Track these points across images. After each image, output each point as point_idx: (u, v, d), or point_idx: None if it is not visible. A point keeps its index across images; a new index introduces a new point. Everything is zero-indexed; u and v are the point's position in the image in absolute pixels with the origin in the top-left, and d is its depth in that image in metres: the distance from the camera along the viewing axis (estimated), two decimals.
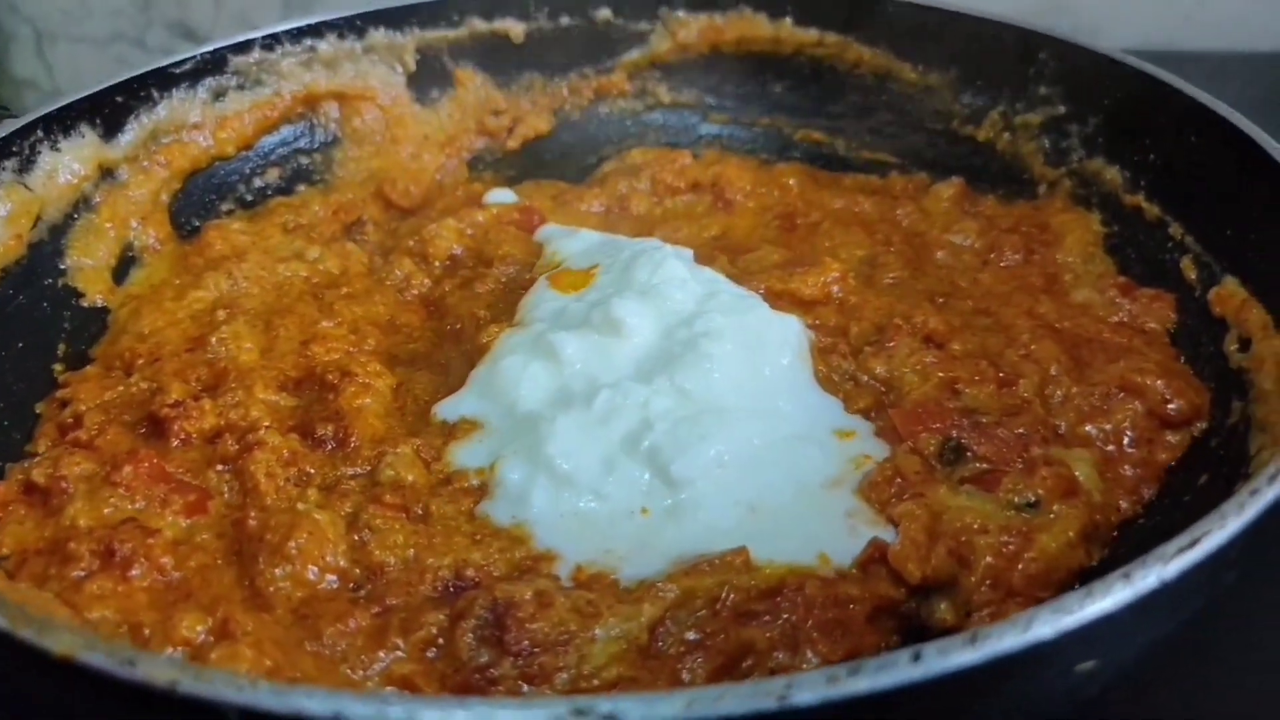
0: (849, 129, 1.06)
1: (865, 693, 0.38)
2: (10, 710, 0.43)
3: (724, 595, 0.58)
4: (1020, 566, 0.60)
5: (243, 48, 0.97)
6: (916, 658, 0.39)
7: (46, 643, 0.40)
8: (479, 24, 1.07)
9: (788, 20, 1.06)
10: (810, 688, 0.37)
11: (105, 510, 0.64)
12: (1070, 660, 0.42)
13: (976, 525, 0.61)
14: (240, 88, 0.98)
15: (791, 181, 1.00)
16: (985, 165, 0.97)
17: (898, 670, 0.38)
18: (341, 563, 0.62)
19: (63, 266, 0.84)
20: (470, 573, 0.61)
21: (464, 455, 0.70)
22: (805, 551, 0.62)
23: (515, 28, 1.08)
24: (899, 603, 0.59)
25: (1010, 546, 0.60)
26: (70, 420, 0.72)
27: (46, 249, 0.83)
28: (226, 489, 0.67)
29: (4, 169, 0.80)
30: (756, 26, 1.08)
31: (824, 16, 1.05)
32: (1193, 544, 0.43)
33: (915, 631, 0.59)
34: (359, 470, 0.69)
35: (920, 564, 0.59)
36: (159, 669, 0.39)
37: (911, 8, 1.01)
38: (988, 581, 0.59)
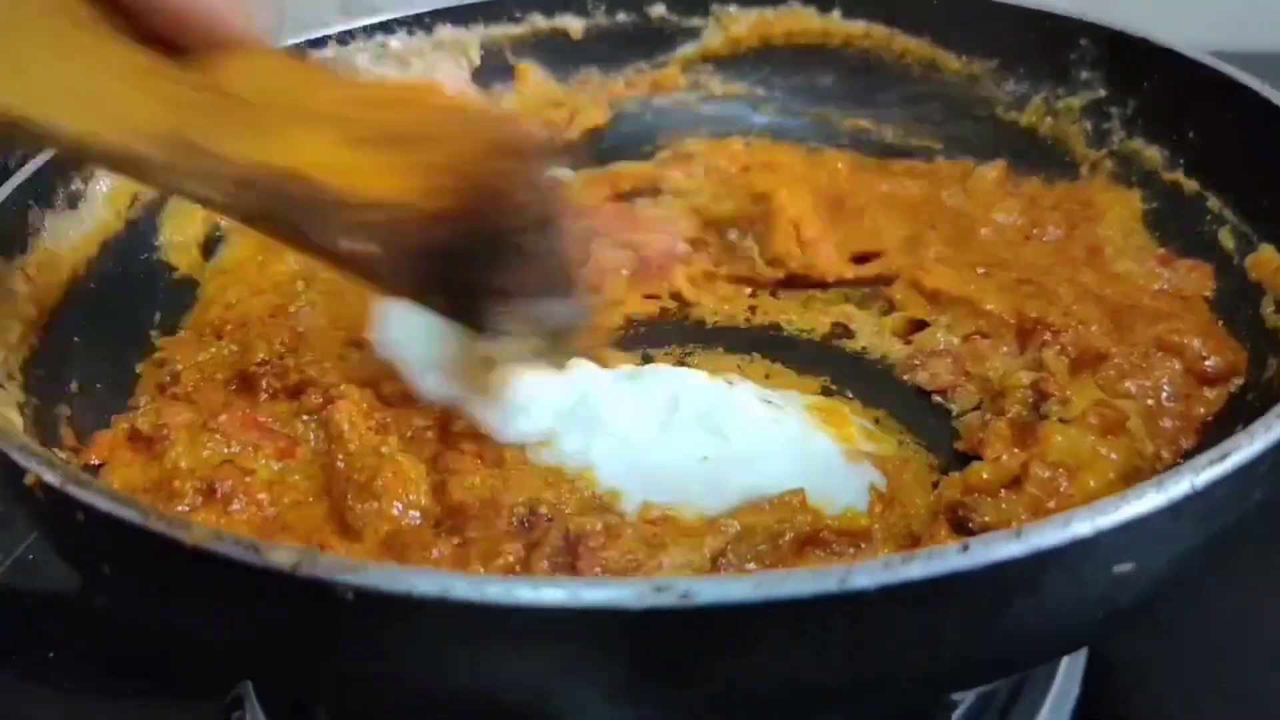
0: (896, 117, 1.09)
1: (917, 579, 0.42)
2: (146, 599, 0.48)
3: (783, 532, 0.62)
4: (1055, 503, 0.64)
5: (319, 43, 1.04)
6: (965, 549, 0.42)
7: (179, 534, 0.45)
8: (540, 21, 1.13)
9: (836, 13, 1.11)
10: (868, 573, 0.41)
11: (204, 454, 0.69)
12: (1108, 560, 0.45)
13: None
14: None
15: (840, 165, 1.03)
16: (1028, 149, 1.01)
17: (948, 559, 0.42)
18: (423, 501, 0.66)
19: (157, 243, 0.90)
20: (544, 509, 0.65)
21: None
22: (857, 492, 0.66)
23: (574, 24, 1.13)
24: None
25: (1057, 481, 0.64)
26: (168, 378, 0.77)
27: (142, 226, 0.89)
28: (313, 437, 0.72)
29: None
30: (805, 20, 1.12)
31: (871, 9, 1.09)
32: (1222, 458, 0.47)
33: None
34: (429, 423, 0.73)
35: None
36: (281, 555, 0.43)
37: (955, 0, 1.05)
38: (1029, 509, 0.63)
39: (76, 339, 0.78)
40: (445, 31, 1.09)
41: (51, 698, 0.79)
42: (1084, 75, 0.97)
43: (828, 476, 0.66)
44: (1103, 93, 0.96)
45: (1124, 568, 0.46)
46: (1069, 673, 0.72)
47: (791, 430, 0.69)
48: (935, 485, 0.70)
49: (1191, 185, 0.87)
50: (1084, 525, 0.43)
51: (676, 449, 0.68)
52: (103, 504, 0.47)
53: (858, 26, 1.10)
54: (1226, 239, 0.82)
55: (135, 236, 0.88)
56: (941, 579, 0.42)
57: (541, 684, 0.44)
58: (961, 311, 0.83)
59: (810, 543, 0.62)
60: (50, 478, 0.49)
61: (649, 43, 1.15)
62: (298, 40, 1.02)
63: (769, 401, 0.72)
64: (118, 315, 0.84)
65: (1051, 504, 0.64)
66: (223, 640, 0.50)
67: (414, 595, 0.42)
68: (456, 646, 0.43)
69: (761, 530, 0.62)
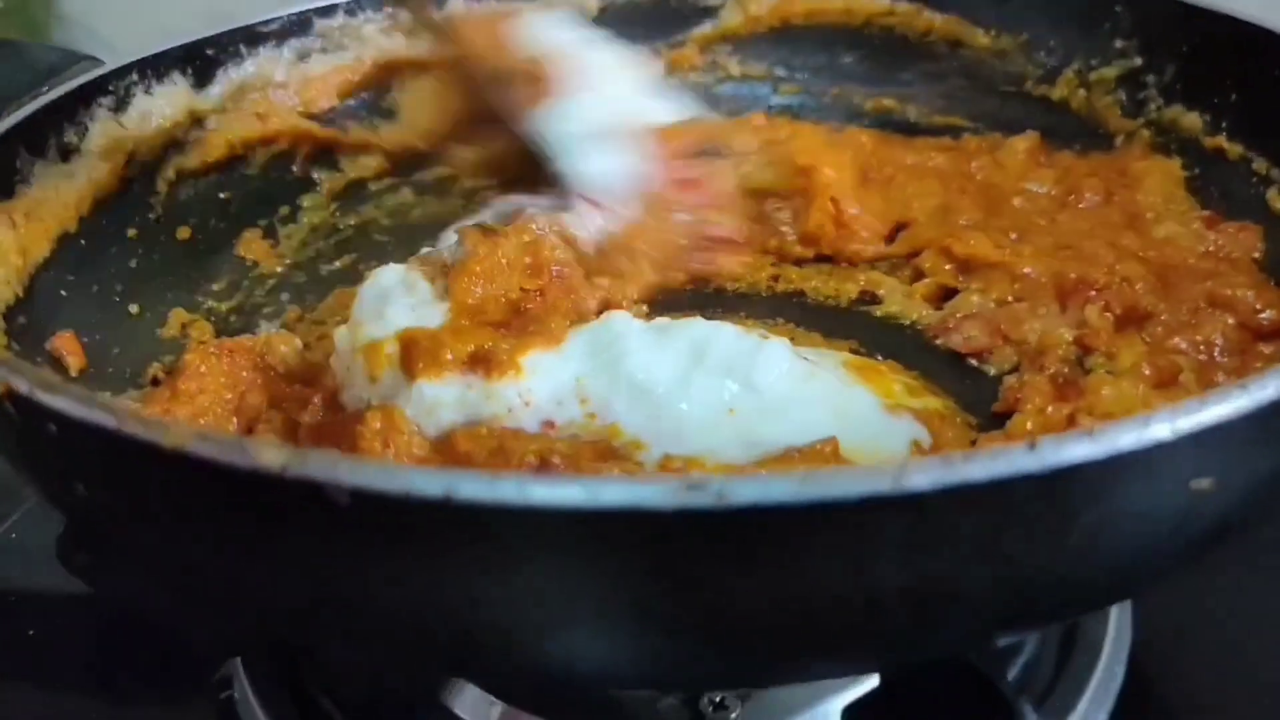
0: (921, 95, 1.06)
1: (979, 480, 0.37)
2: (126, 526, 0.44)
3: None
4: None
5: (327, 12, 1.00)
6: (1032, 447, 0.38)
7: (155, 436, 0.41)
8: None
9: None
10: (925, 471, 0.37)
11: None
12: (1186, 472, 0.41)
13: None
14: (324, 50, 1.01)
15: (864, 139, 1.00)
16: (1060, 123, 0.97)
17: (1013, 459, 0.37)
18: (418, 451, 0.61)
19: (153, 202, 0.86)
20: (556, 459, 0.60)
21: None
22: (898, 445, 0.61)
23: (590, 1, 1.10)
24: None
25: None
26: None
27: (138, 187, 0.86)
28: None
29: (100, 105, 0.83)
30: None
31: None
32: None
33: None
34: None
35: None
36: (269, 454, 0.39)
37: None
38: None
39: (64, 293, 0.74)
40: (458, 5, 1.06)
41: (36, 691, 0.74)
42: (1119, 44, 0.93)
43: (866, 428, 0.61)
44: (1139, 61, 0.92)
45: (1202, 483, 0.41)
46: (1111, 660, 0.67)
47: (827, 383, 0.64)
48: (973, 444, 0.65)
49: (1235, 149, 0.83)
50: (1163, 427, 0.39)
51: (703, 400, 0.63)
52: (73, 409, 0.42)
53: (881, 3, 1.07)
54: (1275, 199, 0.78)
55: (131, 197, 0.85)
56: (1005, 482, 0.37)
57: (558, 600, 0.40)
58: (995, 276, 0.79)
59: None
60: (19, 384, 0.44)
61: (665, 21, 1.12)
62: (305, 9, 0.99)
63: (804, 358, 0.67)
64: (110, 274, 0.80)
65: None
66: (208, 567, 0.45)
67: (414, 496, 0.37)
68: (462, 557, 0.39)
69: None
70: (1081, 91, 0.96)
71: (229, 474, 0.39)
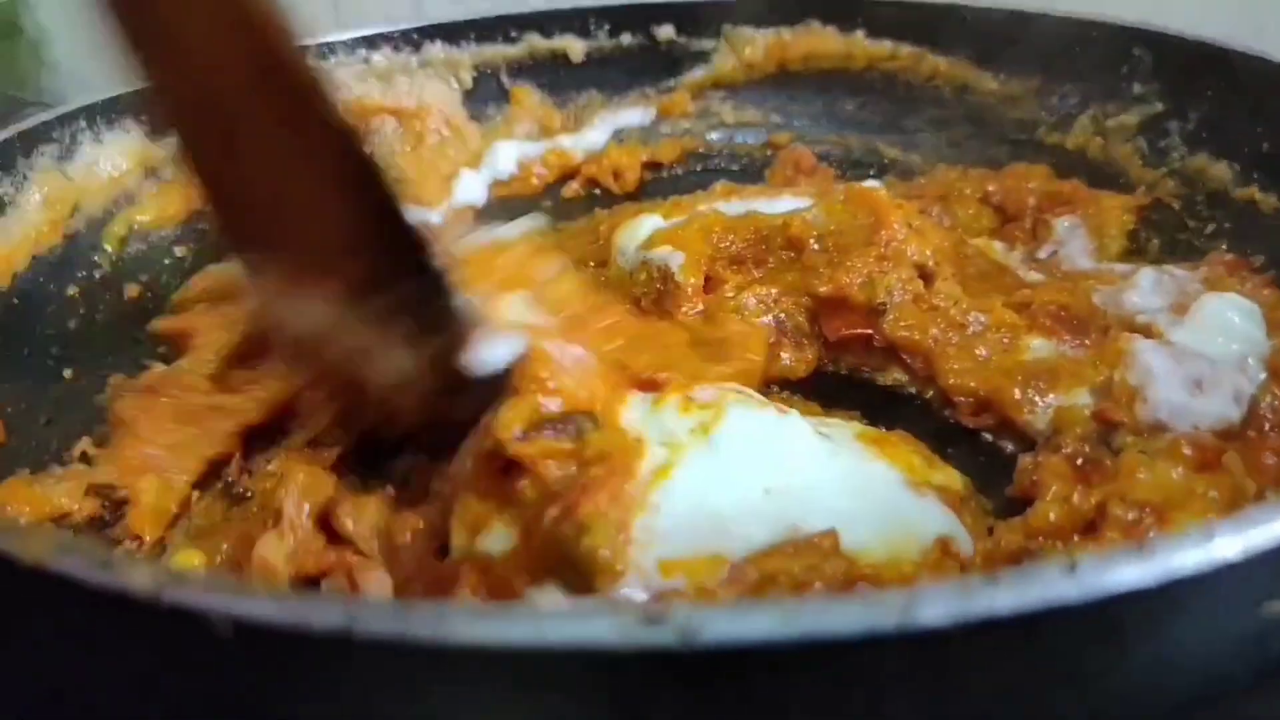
0: (924, 143, 1.00)
1: (1007, 613, 0.30)
2: None
3: (810, 581, 0.50)
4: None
5: None
6: (1072, 569, 0.31)
7: (13, 547, 0.34)
8: (538, 41, 1.04)
9: (859, 33, 1.02)
10: (939, 603, 0.30)
11: None
12: (1258, 594, 0.34)
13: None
14: None
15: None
16: (1075, 172, 0.91)
17: (1048, 584, 0.30)
18: None
19: (98, 260, 0.80)
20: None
21: None
22: (915, 537, 0.53)
23: (575, 46, 1.05)
24: None
25: (1143, 522, 0.52)
26: None
27: (83, 241, 0.79)
28: None
29: (42, 154, 0.77)
30: (826, 41, 1.03)
31: (898, 28, 1.00)
32: None
33: None
34: None
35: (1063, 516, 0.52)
36: (139, 575, 0.32)
37: (991, 13, 0.96)
38: None
39: None
40: (435, 50, 1.01)
41: None
42: (1138, 88, 0.87)
43: (890, 511, 0.54)
44: (1160, 106, 0.86)
45: (1276, 606, 0.34)
46: None
47: (848, 460, 0.57)
48: (990, 532, 0.58)
49: (1270, 201, 0.76)
50: (1230, 544, 0.32)
51: (715, 477, 0.56)
52: None
53: (883, 47, 1.02)
54: None
55: (74, 252, 0.78)
56: (1039, 614, 0.30)
57: None
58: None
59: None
60: None
61: (656, 66, 1.06)
62: None
63: (821, 432, 0.60)
64: (44, 336, 0.73)
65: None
66: (72, 695, 0.38)
67: (311, 629, 0.30)
68: (366, 702, 0.32)
69: (784, 579, 0.50)
70: (1098, 139, 0.90)
71: (92, 595, 0.33)
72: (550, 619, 0.30)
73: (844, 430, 0.61)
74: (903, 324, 0.70)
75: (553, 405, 0.55)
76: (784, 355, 0.72)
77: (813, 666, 0.30)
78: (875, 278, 0.71)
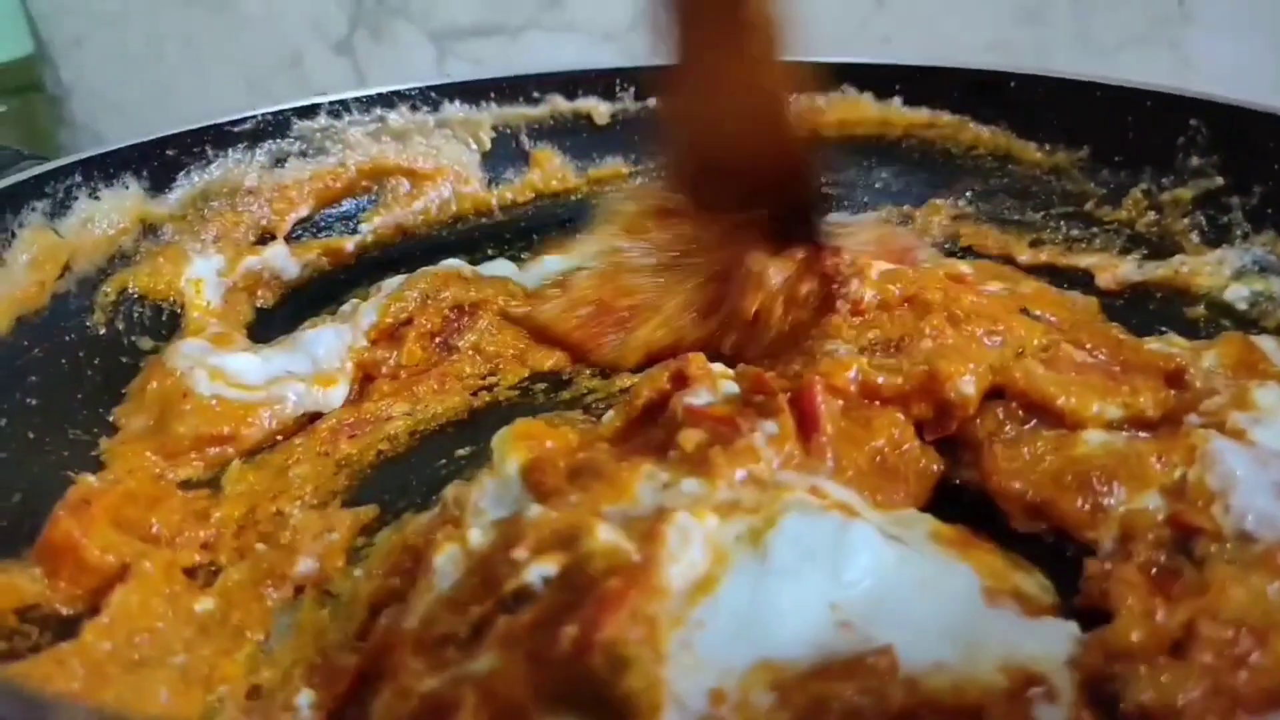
0: (965, 216, 0.95)
1: None
2: None
3: (863, 707, 0.44)
4: (1245, 677, 0.45)
5: (307, 112, 0.91)
6: None
7: None
8: (561, 103, 1.01)
9: (896, 100, 0.98)
10: None
11: None
12: None
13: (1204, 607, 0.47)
14: (303, 154, 0.91)
15: None
16: (1126, 249, 0.85)
17: None
18: None
19: (89, 323, 0.75)
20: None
21: None
22: (988, 655, 0.47)
23: (599, 108, 1.01)
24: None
25: (1240, 645, 0.46)
26: None
27: (73, 303, 0.75)
28: None
29: (33, 210, 0.72)
30: (861, 108, 0.99)
31: (937, 94, 0.96)
32: None
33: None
34: None
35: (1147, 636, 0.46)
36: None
37: (1036, 80, 0.91)
38: (1204, 684, 0.45)
39: None
40: (453, 109, 0.97)
41: None
42: (1195, 161, 0.82)
43: (958, 625, 0.48)
44: (1220, 180, 0.81)
45: None
46: None
47: (919, 567, 0.51)
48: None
49: None
50: None
51: (770, 591, 0.50)
52: None
53: (921, 115, 0.97)
54: None
55: (62, 314, 0.74)
56: None
57: None
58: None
59: None
60: None
61: None
62: (283, 108, 0.89)
63: (889, 533, 0.54)
64: (23, 404, 0.68)
65: (1240, 677, 0.45)
66: None
67: None
68: None
69: (836, 704, 0.44)
70: (1151, 213, 0.85)
71: None
72: None
73: (917, 530, 0.55)
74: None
75: None
76: None
77: None
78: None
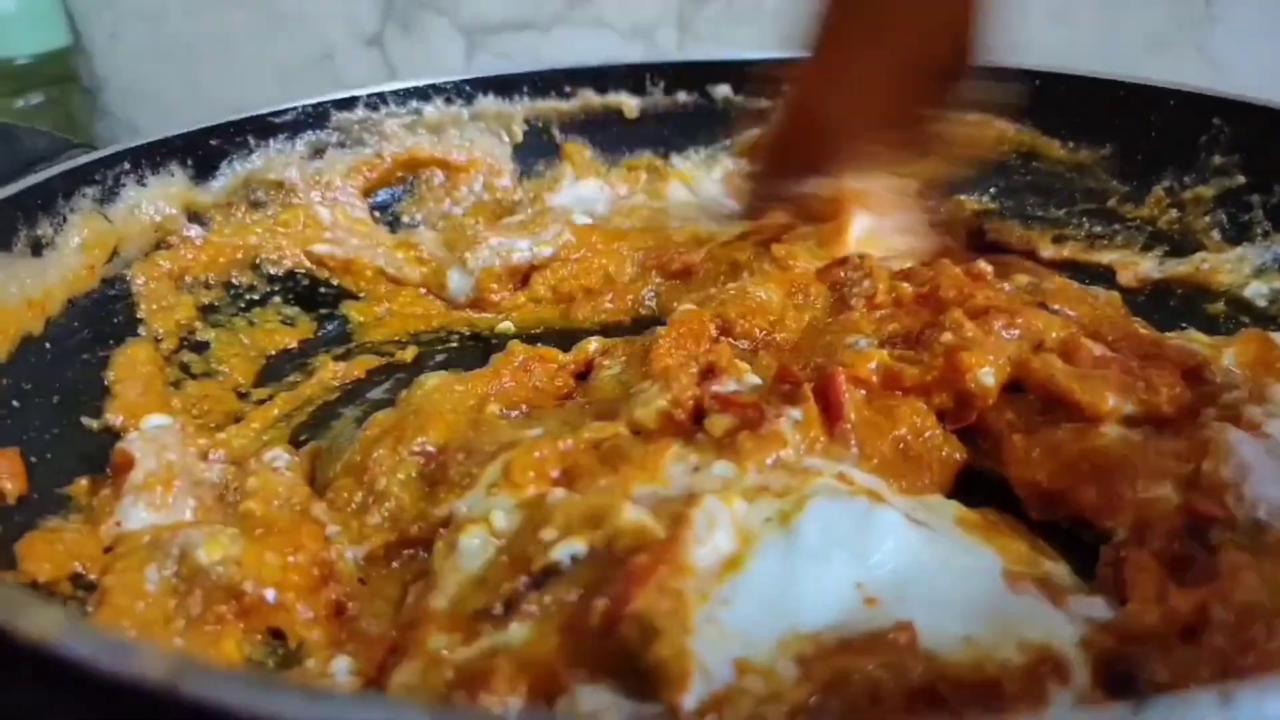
0: (989, 212, 0.97)
1: None
2: None
3: (883, 681, 0.46)
4: (1254, 658, 0.47)
5: (347, 104, 0.93)
6: (1226, 699, 0.26)
7: (11, 622, 0.30)
8: (592, 97, 1.02)
9: None
10: None
11: None
12: None
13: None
14: (341, 145, 0.93)
15: None
16: (1148, 245, 0.87)
17: (1202, 715, 0.26)
18: None
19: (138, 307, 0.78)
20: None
21: None
22: (1008, 636, 0.48)
23: (629, 102, 1.03)
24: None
25: (1251, 628, 0.47)
26: None
27: (120, 285, 0.77)
28: None
29: (84, 196, 0.75)
30: None
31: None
32: None
33: None
34: None
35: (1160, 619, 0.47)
36: (151, 662, 0.28)
37: (1062, 79, 0.93)
38: (1214, 667, 0.46)
39: (15, 403, 0.65)
40: (487, 102, 0.99)
41: None
42: (1218, 160, 0.83)
43: (979, 606, 0.49)
44: (1242, 179, 0.82)
45: None
46: None
47: (945, 548, 0.52)
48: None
49: None
50: None
51: (798, 571, 0.51)
52: None
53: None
54: None
55: (111, 297, 0.76)
56: None
57: None
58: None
59: (921, 697, 0.45)
60: None
61: (711, 125, 1.04)
62: (323, 100, 0.92)
63: (915, 518, 0.55)
64: (75, 384, 0.70)
65: (1249, 660, 0.47)
66: None
67: None
68: None
69: (858, 677, 0.46)
70: (1173, 211, 0.86)
71: (102, 682, 0.29)
72: None
73: (942, 514, 0.57)
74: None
75: None
76: None
77: None
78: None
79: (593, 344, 0.71)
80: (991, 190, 0.97)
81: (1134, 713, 0.26)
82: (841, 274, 0.75)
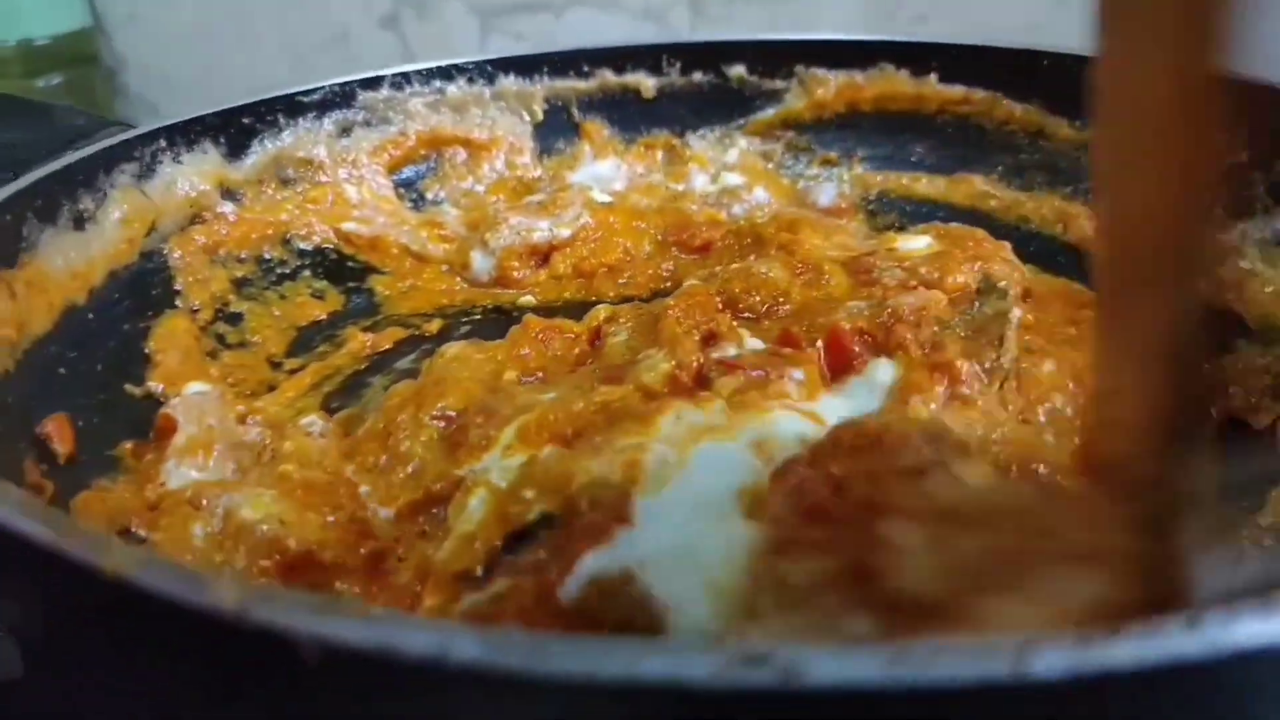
0: (997, 190, 0.99)
1: (1125, 668, 0.29)
2: (55, 653, 0.36)
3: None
4: None
5: (372, 84, 0.96)
6: (1192, 624, 0.29)
7: (94, 557, 0.33)
8: (610, 77, 1.05)
9: (932, 77, 1.01)
10: (1053, 655, 0.28)
11: None
12: None
13: None
14: (367, 124, 0.96)
15: None
16: None
17: (1169, 638, 0.29)
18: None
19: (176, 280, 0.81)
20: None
21: None
22: None
23: (646, 82, 1.05)
24: None
25: None
26: None
27: (159, 258, 0.80)
28: None
29: (123, 172, 0.78)
30: (898, 84, 1.03)
31: (972, 72, 0.99)
32: None
33: None
34: None
35: None
36: (223, 591, 0.31)
37: (1069, 59, 0.94)
38: None
39: (62, 370, 0.68)
40: (508, 82, 1.02)
41: None
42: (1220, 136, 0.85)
43: None
44: (1244, 155, 0.84)
45: None
46: None
47: None
48: None
49: None
50: None
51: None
52: (5, 516, 0.35)
53: (956, 91, 1.01)
54: None
55: (150, 270, 0.79)
56: (1160, 670, 0.29)
57: None
58: None
59: None
60: None
61: (727, 104, 1.06)
62: (349, 79, 0.95)
63: None
64: (118, 352, 0.74)
65: None
66: (148, 716, 0.38)
67: (400, 655, 0.29)
68: None
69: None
70: None
71: (175, 611, 0.32)
72: (647, 655, 0.29)
73: None
74: None
75: None
76: None
77: (918, 713, 0.29)
78: None
79: (602, 312, 0.74)
80: (999, 168, 0.99)
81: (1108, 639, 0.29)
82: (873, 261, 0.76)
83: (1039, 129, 0.97)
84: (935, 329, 0.63)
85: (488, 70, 1.01)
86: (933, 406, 0.55)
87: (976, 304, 0.67)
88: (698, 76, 1.06)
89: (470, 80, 1.00)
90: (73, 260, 0.72)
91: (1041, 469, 0.55)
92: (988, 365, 0.59)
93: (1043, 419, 0.61)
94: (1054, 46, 0.96)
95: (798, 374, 0.61)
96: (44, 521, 0.34)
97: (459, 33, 1.47)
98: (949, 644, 0.29)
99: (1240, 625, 0.29)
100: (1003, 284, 0.67)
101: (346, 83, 0.94)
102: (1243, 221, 0.83)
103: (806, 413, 0.57)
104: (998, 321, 0.63)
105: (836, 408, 0.58)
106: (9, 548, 0.35)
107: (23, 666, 0.37)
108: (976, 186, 1.00)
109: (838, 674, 0.28)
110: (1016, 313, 0.64)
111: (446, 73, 0.99)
